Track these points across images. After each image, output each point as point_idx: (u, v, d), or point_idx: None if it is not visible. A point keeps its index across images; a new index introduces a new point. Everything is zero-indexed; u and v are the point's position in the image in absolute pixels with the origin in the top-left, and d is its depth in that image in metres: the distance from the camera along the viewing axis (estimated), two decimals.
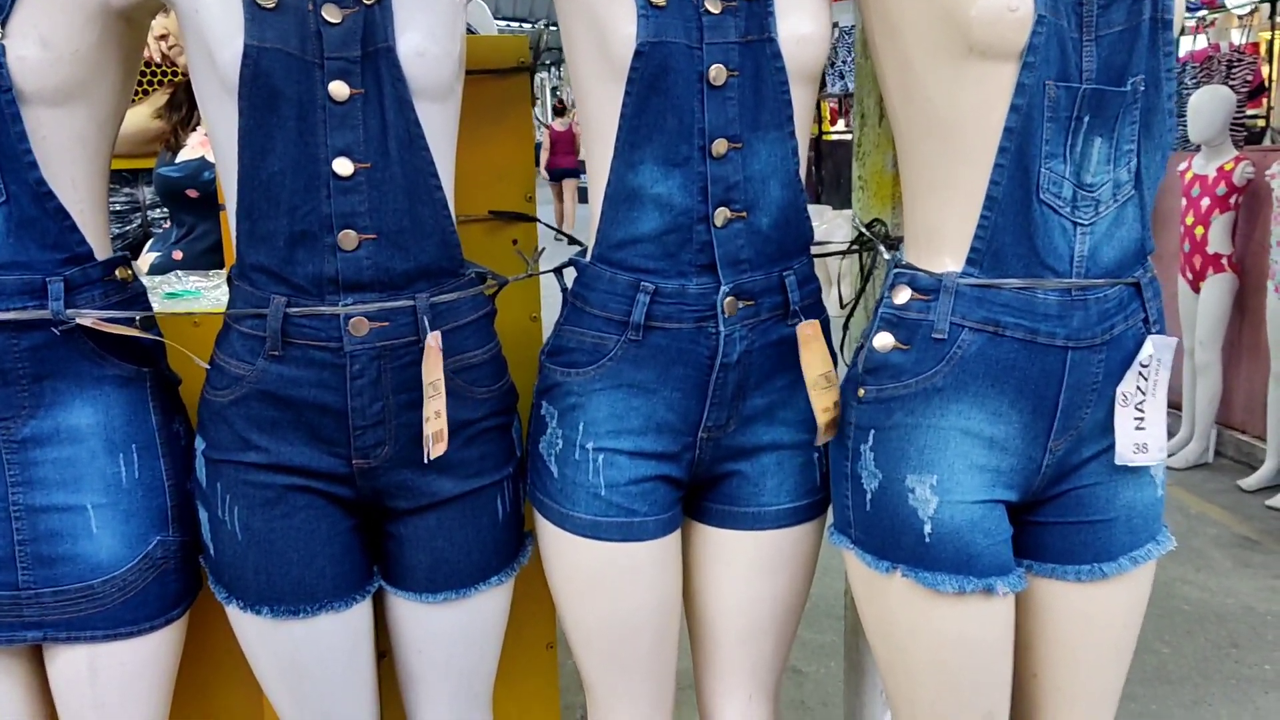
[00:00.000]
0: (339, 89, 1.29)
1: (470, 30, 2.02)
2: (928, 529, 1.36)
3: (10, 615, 1.39)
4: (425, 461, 1.39)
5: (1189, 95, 4.95)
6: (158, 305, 1.78)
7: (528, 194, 1.78)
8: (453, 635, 1.52)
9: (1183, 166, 4.89)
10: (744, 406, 1.46)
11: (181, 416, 1.50)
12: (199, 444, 1.44)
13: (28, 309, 1.33)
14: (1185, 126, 5.18)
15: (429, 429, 1.37)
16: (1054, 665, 1.49)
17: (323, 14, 1.29)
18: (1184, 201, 4.87)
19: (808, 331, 1.42)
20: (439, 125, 1.36)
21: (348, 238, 1.32)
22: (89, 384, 1.39)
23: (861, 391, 1.41)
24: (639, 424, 1.43)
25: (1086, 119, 1.29)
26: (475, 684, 1.57)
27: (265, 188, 1.32)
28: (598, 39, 1.35)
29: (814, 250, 1.54)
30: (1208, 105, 4.66)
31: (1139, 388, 1.37)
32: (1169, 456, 4.98)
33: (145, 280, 1.78)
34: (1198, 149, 4.86)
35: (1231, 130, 4.95)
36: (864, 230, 1.81)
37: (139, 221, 3.19)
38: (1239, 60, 6.43)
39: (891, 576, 1.39)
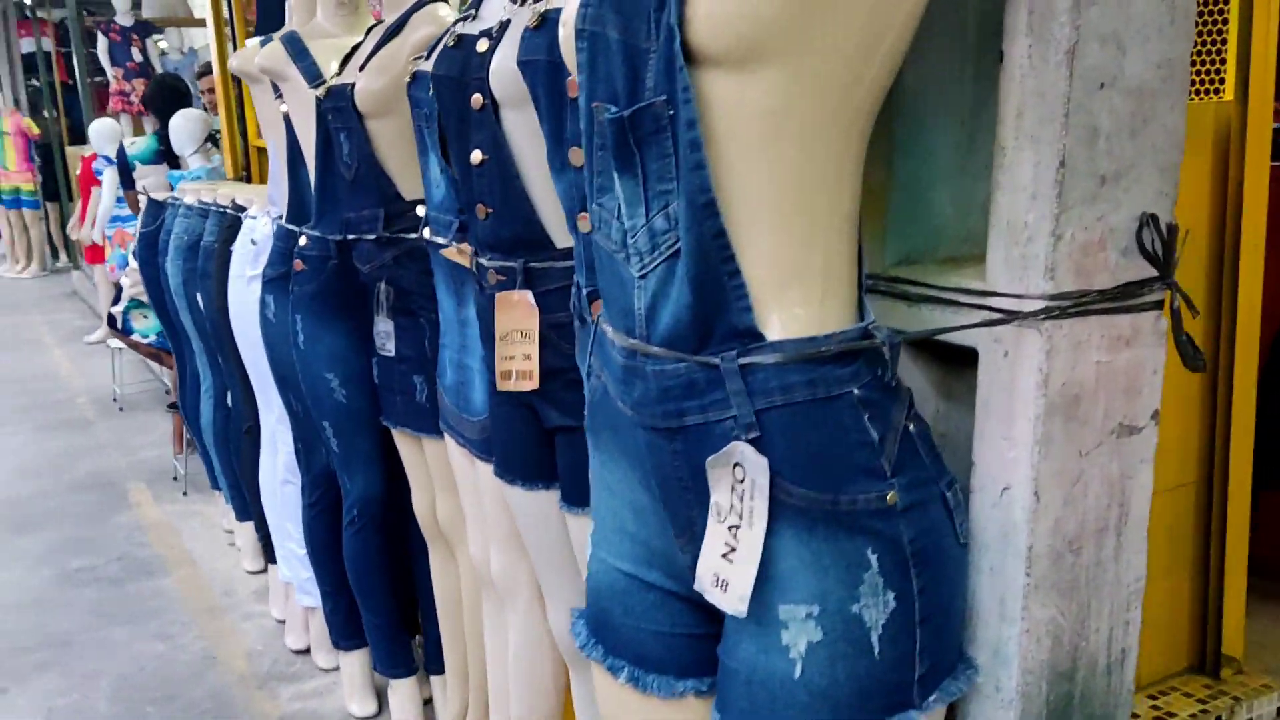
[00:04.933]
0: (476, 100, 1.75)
1: None
2: (585, 574, 1.29)
3: (452, 422, 2.23)
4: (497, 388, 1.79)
5: None
6: None
7: None
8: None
9: None
10: None
11: None
12: None
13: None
14: None
15: (510, 366, 1.76)
16: None
17: (476, 47, 1.75)
18: None
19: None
20: (522, 131, 1.69)
21: (480, 210, 1.79)
22: (473, 293, 2.11)
23: None
24: None
25: (611, 148, 1.06)
26: None
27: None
28: None
29: None
30: None
31: (732, 505, 1.05)
32: None
33: None
34: None
35: None
36: None
37: None
38: None
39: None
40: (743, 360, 1.03)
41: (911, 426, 1.07)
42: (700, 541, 1.11)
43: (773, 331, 1.03)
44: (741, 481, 1.02)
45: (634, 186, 1.06)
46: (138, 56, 8.13)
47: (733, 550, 1.04)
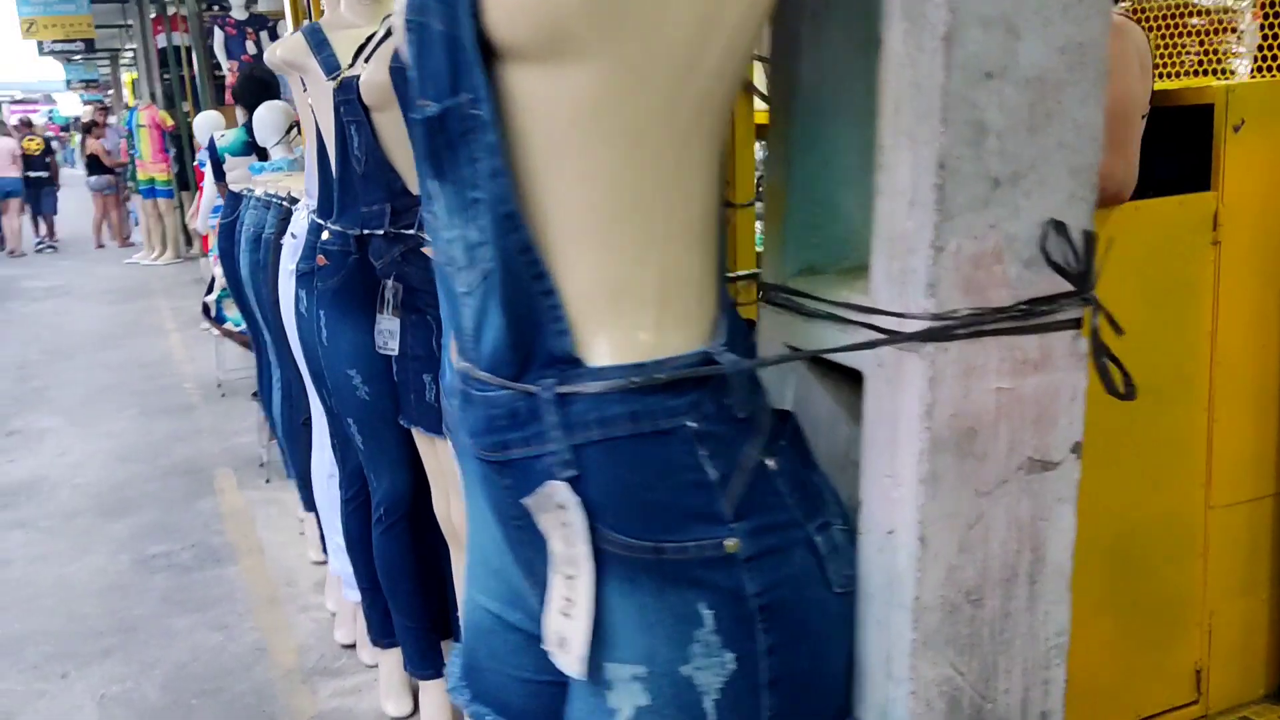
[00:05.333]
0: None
1: None
2: (461, 612, 1.20)
3: (450, 424, 2.17)
4: None
5: None
6: None
7: None
8: None
9: None
10: None
11: None
12: None
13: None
14: None
15: None
16: None
17: None
18: None
19: None
20: None
21: None
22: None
23: None
24: None
25: (424, 151, 0.98)
26: None
27: None
28: None
29: None
30: None
31: (565, 553, 0.95)
32: None
33: None
34: None
35: None
36: None
37: None
38: None
39: None
40: (560, 389, 0.92)
41: (771, 462, 0.95)
42: (544, 584, 1.01)
43: (599, 357, 0.92)
44: (566, 525, 0.92)
45: (450, 193, 0.97)
46: (252, 49, 8.33)
47: (571, 604, 0.94)
